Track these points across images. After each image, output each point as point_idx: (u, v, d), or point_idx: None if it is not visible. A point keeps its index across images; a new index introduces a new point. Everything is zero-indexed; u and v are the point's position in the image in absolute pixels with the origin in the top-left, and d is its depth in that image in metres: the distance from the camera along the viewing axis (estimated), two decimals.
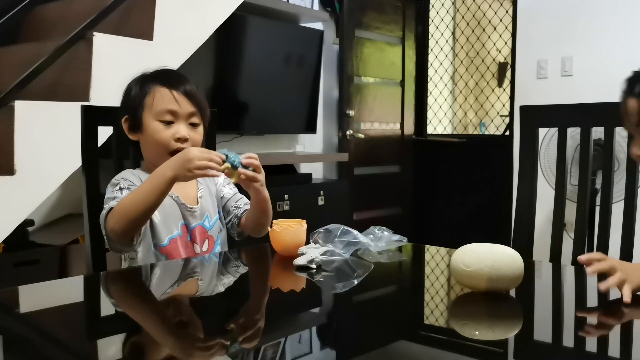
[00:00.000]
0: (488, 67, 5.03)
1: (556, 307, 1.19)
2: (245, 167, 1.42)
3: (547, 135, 3.14)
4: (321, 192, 3.47)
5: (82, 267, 2.55)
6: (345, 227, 1.45)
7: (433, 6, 4.81)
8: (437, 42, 4.87)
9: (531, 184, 1.75)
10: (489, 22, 4.80)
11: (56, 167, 2.12)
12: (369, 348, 0.94)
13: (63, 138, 2.09)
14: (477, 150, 4.52)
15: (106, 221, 1.42)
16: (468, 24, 4.90)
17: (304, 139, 4.03)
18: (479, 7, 4.81)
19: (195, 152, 1.37)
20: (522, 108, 1.81)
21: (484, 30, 4.87)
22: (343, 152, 4.01)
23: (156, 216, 1.49)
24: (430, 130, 4.85)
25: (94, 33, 2.22)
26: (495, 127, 4.88)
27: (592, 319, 1.11)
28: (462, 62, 5.11)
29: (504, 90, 5.03)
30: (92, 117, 1.62)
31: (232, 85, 3.43)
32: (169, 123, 1.50)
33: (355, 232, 1.46)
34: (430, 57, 4.83)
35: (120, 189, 1.46)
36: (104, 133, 1.71)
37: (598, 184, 2.33)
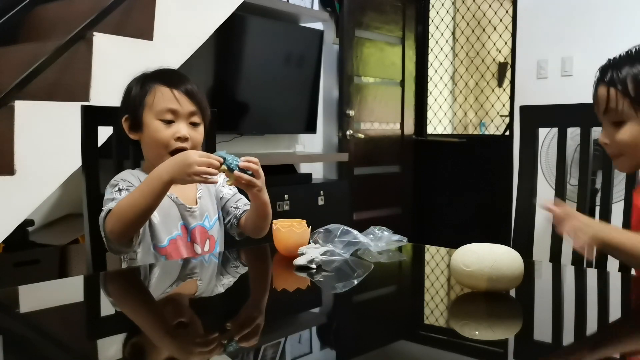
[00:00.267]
0: (488, 67, 5.03)
1: (556, 307, 1.19)
2: (244, 170, 1.41)
3: (547, 136, 3.14)
4: (321, 192, 3.47)
5: (82, 267, 2.55)
6: (345, 227, 1.45)
7: (433, 6, 4.81)
8: (437, 42, 4.87)
9: (531, 184, 1.75)
10: (489, 22, 4.80)
11: (56, 167, 2.12)
12: (369, 348, 0.94)
13: (63, 138, 2.09)
14: (477, 150, 4.52)
15: (105, 223, 1.42)
16: (468, 24, 4.90)
17: (304, 139, 4.03)
18: (479, 7, 4.81)
19: (194, 156, 1.36)
20: (522, 108, 1.81)
21: (484, 30, 4.87)
22: (343, 152, 4.01)
23: (155, 217, 1.49)
24: (430, 130, 4.85)
25: (94, 33, 2.22)
26: (495, 127, 4.88)
27: (591, 319, 1.12)
28: (462, 62, 5.11)
29: (504, 90, 5.03)
30: (92, 117, 1.62)
31: (232, 85, 3.43)
32: (169, 122, 1.50)
33: (355, 232, 1.46)
34: (430, 57, 4.83)
35: (119, 190, 1.46)
36: (104, 133, 1.71)
37: (598, 184, 2.33)
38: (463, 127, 5.30)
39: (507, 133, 4.32)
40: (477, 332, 1.05)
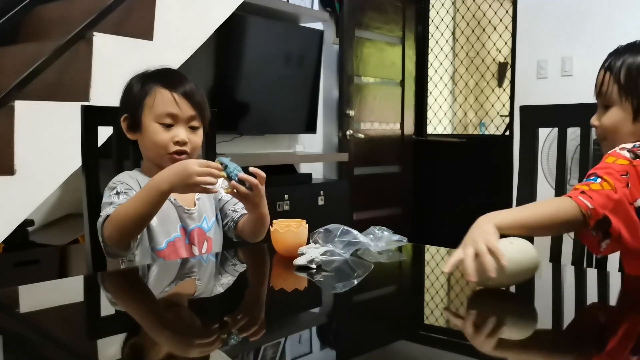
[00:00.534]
0: (488, 67, 5.03)
1: (556, 307, 1.19)
2: (243, 182, 1.40)
3: (547, 136, 3.14)
4: (321, 192, 3.47)
5: (82, 267, 2.55)
6: (345, 227, 1.45)
7: (433, 6, 4.81)
8: (437, 42, 4.87)
9: (531, 184, 1.75)
10: (489, 22, 4.80)
11: (56, 167, 2.12)
12: (369, 348, 0.94)
13: (63, 138, 2.09)
14: (477, 150, 4.52)
15: (102, 229, 1.41)
16: (468, 24, 4.90)
17: (304, 139, 4.03)
18: (479, 7, 4.81)
19: (194, 167, 1.35)
20: (522, 108, 1.81)
21: (484, 30, 4.86)
22: (343, 152, 4.01)
23: (153, 220, 1.48)
24: (430, 130, 4.85)
25: (94, 33, 2.22)
26: (495, 127, 4.88)
27: (592, 319, 1.12)
28: (462, 62, 5.11)
29: (504, 90, 5.03)
30: (92, 117, 1.62)
31: (232, 85, 3.43)
32: (168, 126, 1.49)
33: (355, 232, 1.45)
34: (430, 57, 4.83)
35: (117, 193, 1.45)
36: (104, 133, 1.71)
37: None
38: (463, 127, 5.30)
39: (507, 133, 4.32)
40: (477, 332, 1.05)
